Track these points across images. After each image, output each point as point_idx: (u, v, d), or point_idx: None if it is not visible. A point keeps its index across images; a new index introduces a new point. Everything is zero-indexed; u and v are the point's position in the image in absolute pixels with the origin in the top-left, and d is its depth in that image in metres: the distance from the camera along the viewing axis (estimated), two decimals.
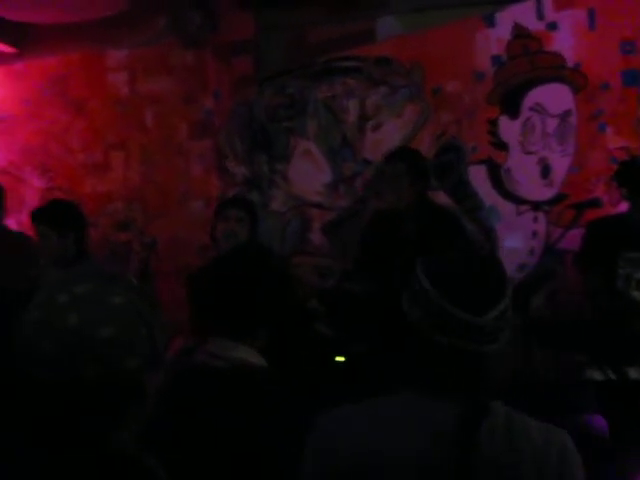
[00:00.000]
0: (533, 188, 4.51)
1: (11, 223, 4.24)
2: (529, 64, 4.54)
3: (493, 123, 4.58)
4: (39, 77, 5.56)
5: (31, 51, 5.58)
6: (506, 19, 4.59)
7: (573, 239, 4.19)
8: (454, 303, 1.37)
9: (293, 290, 2.13)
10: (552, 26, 4.51)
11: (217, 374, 1.74)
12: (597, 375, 3.08)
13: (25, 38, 5.54)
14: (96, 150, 5.41)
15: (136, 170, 5.31)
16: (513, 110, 4.55)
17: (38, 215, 3.57)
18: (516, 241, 4.51)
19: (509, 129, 4.56)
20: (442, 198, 4.52)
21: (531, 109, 4.53)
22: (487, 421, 1.35)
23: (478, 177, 4.60)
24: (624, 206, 3.75)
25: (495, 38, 4.59)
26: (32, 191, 5.52)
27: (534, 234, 4.48)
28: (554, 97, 4.51)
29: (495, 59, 4.59)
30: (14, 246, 3.84)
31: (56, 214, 3.54)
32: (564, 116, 4.48)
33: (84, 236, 3.64)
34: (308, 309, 4.29)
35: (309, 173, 4.91)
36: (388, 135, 4.68)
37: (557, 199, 4.44)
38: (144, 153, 5.28)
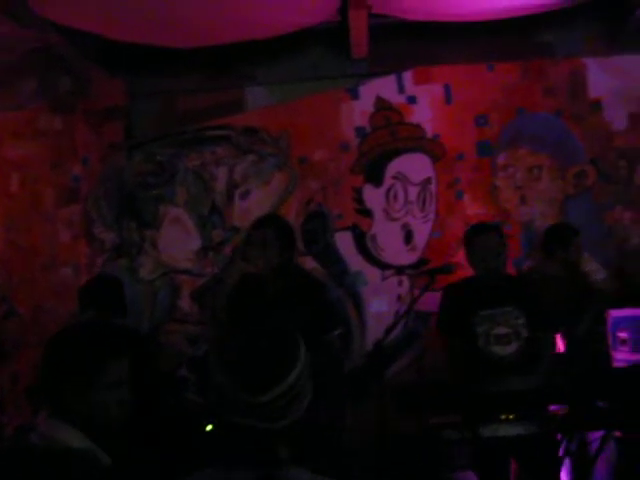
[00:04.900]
0: (397, 253, 4.69)
1: None
2: (391, 135, 4.77)
3: (358, 191, 4.75)
4: None
5: None
6: (369, 92, 4.82)
7: (435, 302, 4.34)
8: (236, 384, 1.44)
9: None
10: (412, 99, 4.77)
11: (28, 454, 1.70)
12: (453, 435, 3.15)
13: None
14: None
15: (0, 236, 5.14)
16: (377, 178, 4.75)
17: None
18: (382, 305, 4.65)
19: (373, 197, 4.75)
20: (310, 263, 4.62)
21: (394, 177, 4.74)
22: None
23: (344, 243, 4.74)
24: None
25: (359, 110, 4.81)
26: None
27: (399, 297, 4.63)
28: (415, 166, 4.76)
29: (359, 130, 4.80)
30: None
31: None
32: (425, 184, 4.72)
33: None
34: (178, 377, 4.24)
35: (178, 240, 4.90)
36: (256, 202, 4.77)
37: (420, 263, 4.63)
38: (9, 219, 5.13)
